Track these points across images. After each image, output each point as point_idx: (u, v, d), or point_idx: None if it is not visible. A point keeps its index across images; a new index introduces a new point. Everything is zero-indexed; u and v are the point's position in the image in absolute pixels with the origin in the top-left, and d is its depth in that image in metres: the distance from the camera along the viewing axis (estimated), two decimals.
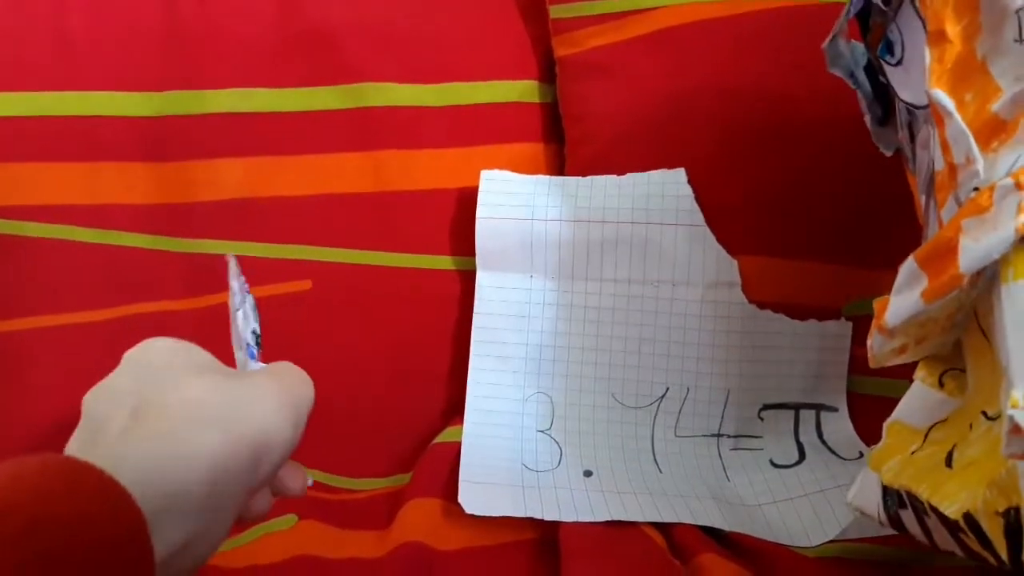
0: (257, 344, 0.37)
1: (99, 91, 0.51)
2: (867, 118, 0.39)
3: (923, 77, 0.30)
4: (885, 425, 0.31)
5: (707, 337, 0.48)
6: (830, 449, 0.48)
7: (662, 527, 0.43)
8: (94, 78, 0.51)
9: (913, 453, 0.30)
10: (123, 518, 0.21)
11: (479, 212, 0.50)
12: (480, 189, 0.50)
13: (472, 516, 0.42)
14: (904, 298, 0.30)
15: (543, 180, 0.50)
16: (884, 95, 0.38)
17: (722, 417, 0.49)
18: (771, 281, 0.48)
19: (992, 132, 0.29)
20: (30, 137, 0.50)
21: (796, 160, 0.48)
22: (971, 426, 0.29)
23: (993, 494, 0.25)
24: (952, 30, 0.30)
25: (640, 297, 0.49)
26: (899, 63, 0.34)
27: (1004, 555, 0.25)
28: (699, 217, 0.48)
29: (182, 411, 0.25)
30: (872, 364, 0.33)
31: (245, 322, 0.37)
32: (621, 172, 0.50)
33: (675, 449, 0.48)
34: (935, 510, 0.28)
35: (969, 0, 0.29)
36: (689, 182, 0.48)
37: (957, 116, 0.29)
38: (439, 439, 0.49)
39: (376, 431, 0.51)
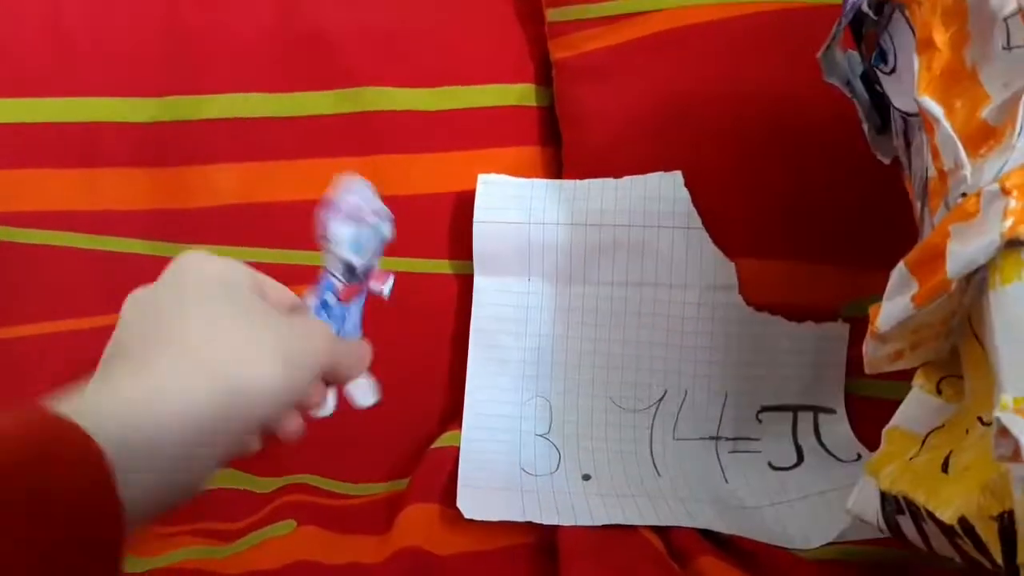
0: (349, 276, 0.35)
1: (98, 97, 0.51)
2: (865, 126, 0.39)
3: (914, 85, 0.30)
4: (884, 431, 0.32)
5: (705, 340, 0.48)
6: (828, 451, 0.48)
7: (661, 530, 0.43)
8: (93, 84, 0.51)
9: (911, 459, 0.30)
10: (92, 471, 0.22)
11: (476, 216, 0.50)
12: (477, 193, 0.50)
13: (471, 521, 0.42)
14: (895, 303, 0.30)
15: (540, 184, 0.50)
16: (881, 103, 0.38)
17: (720, 419, 0.49)
18: (769, 283, 0.48)
19: (981, 138, 0.29)
20: (29, 143, 0.50)
21: (794, 162, 0.48)
22: (967, 431, 0.29)
23: (987, 498, 0.26)
24: (940, 38, 0.30)
25: (638, 300, 0.49)
26: (892, 71, 0.34)
27: (999, 559, 0.25)
28: (696, 220, 0.48)
29: (179, 354, 0.26)
30: (868, 370, 0.33)
31: (333, 252, 0.34)
32: (618, 175, 0.50)
33: (673, 452, 0.48)
34: (932, 516, 0.28)
35: (957, 8, 0.30)
36: (686, 185, 0.48)
37: (945, 123, 0.29)
38: (437, 444, 0.49)
39: (374, 436, 0.51)
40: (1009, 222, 0.26)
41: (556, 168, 0.54)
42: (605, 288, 0.49)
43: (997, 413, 0.23)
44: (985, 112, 0.29)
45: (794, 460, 0.48)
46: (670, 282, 0.48)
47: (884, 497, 0.30)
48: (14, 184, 0.50)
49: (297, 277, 0.51)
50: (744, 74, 0.48)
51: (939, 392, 0.31)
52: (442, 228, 0.53)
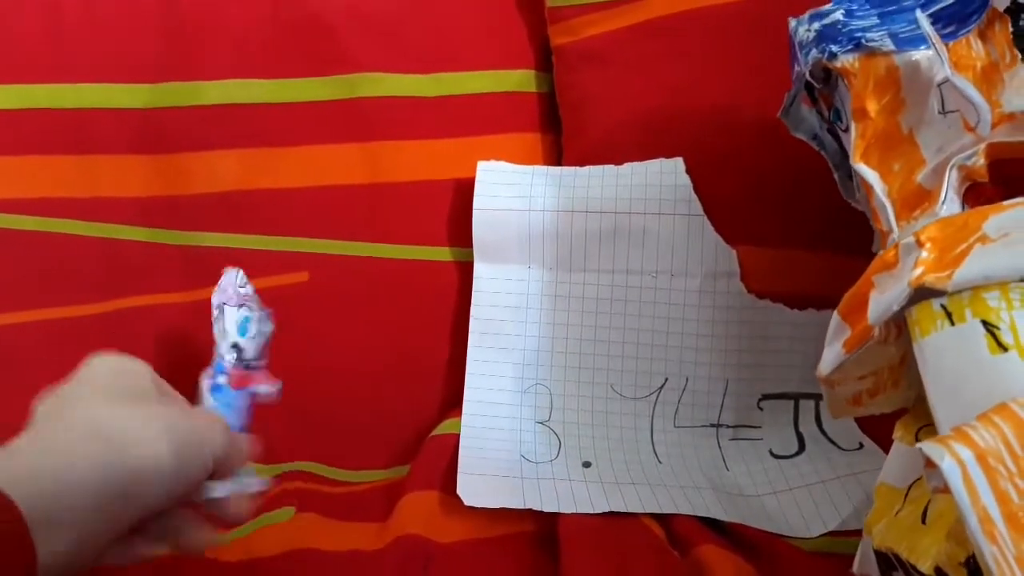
0: (237, 360, 0.38)
1: (93, 83, 0.50)
2: (836, 175, 0.41)
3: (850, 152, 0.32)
4: (874, 489, 0.32)
5: (706, 327, 0.48)
6: (830, 439, 0.47)
7: (661, 518, 0.43)
8: (88, 70, 0.50)
9: (897, 513, 0.30)
10: (4, 523, 0.24)
11: (476, 203, 0.49)
12: (477, 180, 0.50)
13: (471, 508, 0.42)
14: (832, 348, 0.32)
15: (540, 170, 0.50)
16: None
17: (721, 407, 0.49)
18: (770, 271, 0.48)
19: (916, 201, 0.31)
20: (25, 130, 0.50)
21: (795, 149, 0.48)
22: None
23: (952, 545, 0.26)
24: (873, 107, 0.32)
25: (638, 287, 0.49)
26: (847, 130, 0.35)
27: None
28: (697, 207, 0.47)
29: (82, 427, 0.29)
30: (832, 415, 0.35)
31: (221, 336, 0.38)
32: (619, 162, 0.49)
33: (674, 440, 0.48)
34: (915, 568, 0.28)
35: (890, 78, 0.32)
36: (687, 171, 0.48)
37: (879, 189, 0.32)
38: (437, 431, 0.49)
39: (374, 423, 0.51)
40: (919, 271, 0.27)
41: (556, 155, 0.54)
42: (605, 275, 0.49)
43: (918, 444, 0.24)
44: (920, 176, 0.31)
45: (795, 448, 0.47)
46: (671, 269, 0.48)
47: (877, 554, 0.30)
48: (9, 170, 0.49)
49: (292, 264, 0.51)
50: (747, 58, 0.48)
51: (918, 442, 0.31)
52: (441, 215, 0.52)
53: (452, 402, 0.51)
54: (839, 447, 0.47)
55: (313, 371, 0.51)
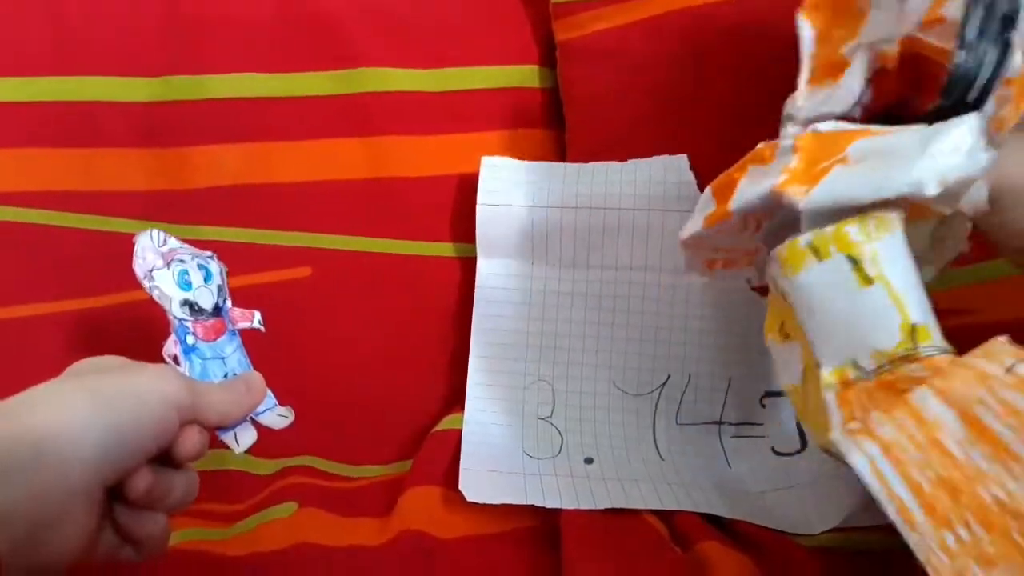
0: (195, 313, 0.36)
1: (96, 76, 0.50)
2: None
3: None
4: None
5: (709, 324, 0.48)
6: None
7: (663, 515, 0.43)
8: (91, 63, 0.50)
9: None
10: None
11: (479, 198, 0.49)
12: (481, 175, 0.50)
13: (473, 504, 0.42)
14: (694, 219, 0.34)
15: (544, 166, 0.50)
16: None
17: (724, 404, 0.48)
18: None
19: (833, 70, 0.32)
20: (27, 123, 0.50)
21: None
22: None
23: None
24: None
25: (642, 284, 0.48)
26: None
27: None
28: None
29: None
30: (685, 268, 0.38)
31: (167, 301, 0.36)
32: (622, 158, 0.49)
33: (676, 436, 0.48)
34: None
35: None
36: (691, 168, 0.48)
37: (805, 45, 0.33)
38: (440, 426, 0.49)
39: (376, 418, 0.51)
40: (783, 177, 0.29)
41: (560, 150, 0.54)
42: (608, 272, 0.49)
43: (824, 392, 0.26)
44: (846, 48, 0.32)
45: (798, 446, 0.47)
46: (674, 266, 0.48)
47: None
48: (12, 164, 0.49)
49: (294, 259, 0.51)
50: (752, 55, 0.48)
51: (786, 337, 0.31)
52: (444, 211, 0.52)
53: (454, 398, 0.51)
54: None
55: (315, 366, 0.51)
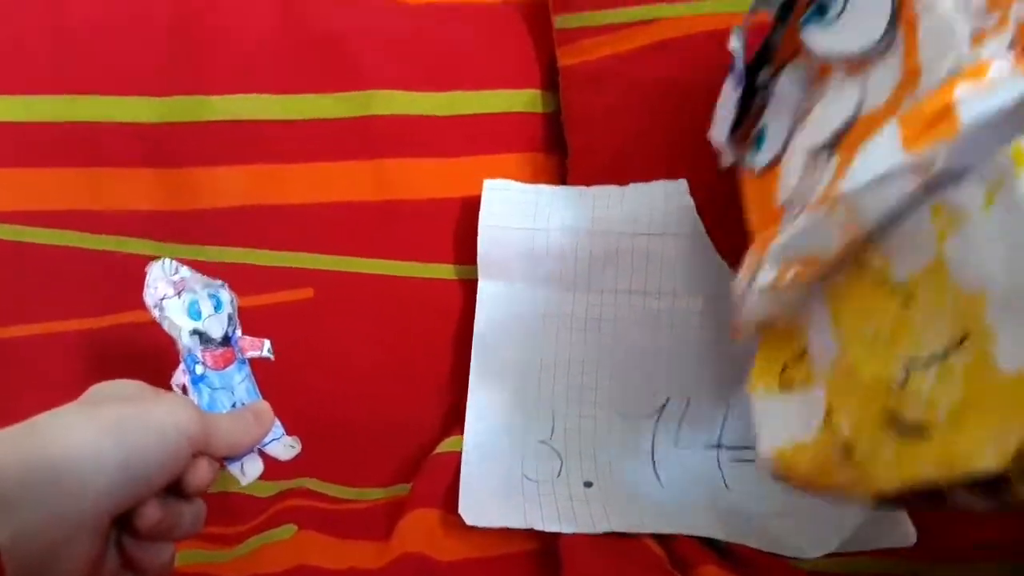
0: (205, 343, 0.36)
1: (102, 96, 0.51)
2: (727, 119, 0.40)
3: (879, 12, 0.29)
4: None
5: (708, 348, 0.48)
6: None
7: (662, 539, 0.43)
8: (97, 83, 0.51)
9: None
10: None
11: (481, 221, 0.50)
12: (483, 198, 0.50)
13: (472, 527, 0.42)
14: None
15: (545, 190, 0.50)
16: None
17: (722, 428, 0.49)
18: None
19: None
20: (31, 142, 0.50)
21: None
22: None
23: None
24: None
25: (642, 308, 0.49)
26: (841, 12, 0.33)
27: None
28: (701, 228, 0.48)
29: (22, 425, 0.28)
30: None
31: (176, 331, 0.36)
32: (623, 182, 0.49)
33: (675, 460, 0.48)
34: None
35: None
36: (691, 193, 0.48)
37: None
38: (439, 449, 0.49)
39: (376, 441, 0.51)
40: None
41: (561, 174, 0.54)
42: (609, 295, 0.49)
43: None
44: None
45: None
46: (674, 290, 0.48)
47: None
48: (16, 183, 0.50)
49: (297, 280, 0.52)
50: None
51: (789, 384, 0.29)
52: (447, 233, 0.53)
53: (454, 420, 0.51)
54: None
55: (316, 387, 0.51)
